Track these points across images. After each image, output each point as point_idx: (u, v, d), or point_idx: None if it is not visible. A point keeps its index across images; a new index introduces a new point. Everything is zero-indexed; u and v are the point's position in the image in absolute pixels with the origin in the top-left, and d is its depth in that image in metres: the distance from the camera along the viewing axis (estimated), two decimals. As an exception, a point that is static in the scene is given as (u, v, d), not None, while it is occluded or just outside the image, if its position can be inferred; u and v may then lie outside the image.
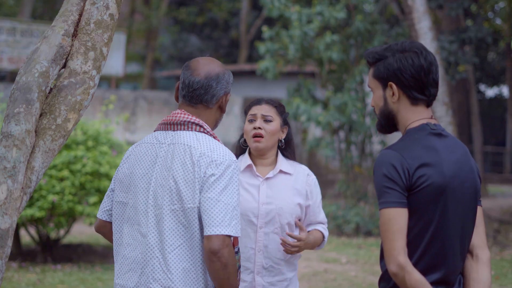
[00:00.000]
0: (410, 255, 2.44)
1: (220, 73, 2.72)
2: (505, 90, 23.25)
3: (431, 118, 2.57)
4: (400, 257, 2.38)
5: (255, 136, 3.36)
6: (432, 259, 2.45)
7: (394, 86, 2.54)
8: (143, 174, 2.66)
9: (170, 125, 2.69)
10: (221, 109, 2.75)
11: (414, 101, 2.54)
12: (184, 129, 2.67)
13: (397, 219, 2.41)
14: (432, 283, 2.43)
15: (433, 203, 2.45)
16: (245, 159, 3.43)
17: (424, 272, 2.43)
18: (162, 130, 2.71)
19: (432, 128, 2.53)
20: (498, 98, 23.82)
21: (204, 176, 2.54)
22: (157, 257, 2.58)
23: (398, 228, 2.40)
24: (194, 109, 2.71)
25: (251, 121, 3.40)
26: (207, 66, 2.72)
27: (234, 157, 2.62)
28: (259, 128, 3.36)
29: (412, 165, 2.44)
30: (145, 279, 2.59)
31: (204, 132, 2.66)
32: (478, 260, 2.56)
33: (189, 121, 2.67)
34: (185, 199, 2.56)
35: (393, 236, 2.40)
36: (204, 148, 2.59)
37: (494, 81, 21.03)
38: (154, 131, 2.75)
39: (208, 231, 2.50)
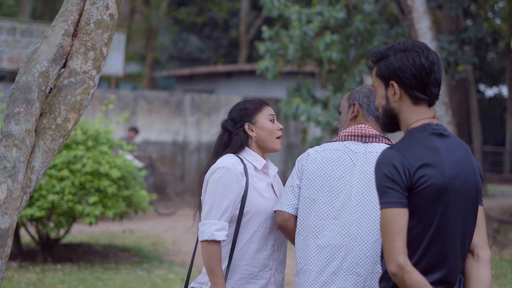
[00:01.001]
0: (411, 255, 2.45)
1: None
2: (504, 90, 23.25)
3: (433, 117, 2.56)
4: (399, 257, 2.38)
5: (279, 137, 3.43)
6: (433, 259, 2.46)
7: (395, 85, 2.54)
8: (340, 176, 3.03)
9: (361, 137, 3.09)
10: None
11: (416, 101, 2.54)
12: (376, 142, 3.08)
13: (397, 219, 2.41)
14: (432, 283, 2.44)
15: (434, 204, 2.45)
16: (257, 157, 3.41)
17: (425, 272, 2.44)
18: (352, 140, 3.09)
19: (434, 128, 2.53)
20: (498, 98, 23.82)
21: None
22: (359, 245, 2.95)
23: (398, 229, 2.40)
24: (378, 127, 3.13)
25: (272, 121, 3.42)
26: None
27: None
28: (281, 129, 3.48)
29: (413, 165, 2.44)
30: (347, 265, 2.96)
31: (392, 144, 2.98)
32: (479, 260, 2.56)
33: (379, 135, 3.09)
34: None
35: (393, 237, 2.40)
36: None
37: (493, 81, 21.03)
38: (342, 140, 3.11)
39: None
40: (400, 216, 2.42)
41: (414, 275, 2.38)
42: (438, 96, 2.58)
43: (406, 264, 2.39)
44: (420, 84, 2.53)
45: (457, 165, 2.50)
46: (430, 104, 2.56)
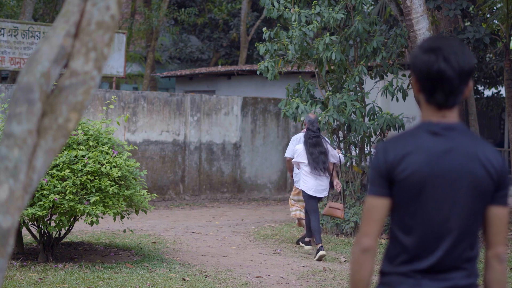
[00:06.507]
0: (395, 245, 2.58)
1: None
2: (503, 90, 23.23)
3: (443, 117, 2.58)
4: (363, 239, 2.56)
5: None
6: (417, 249, 2.56)
7: (413, 78, 2.61)
8: None
9: None
10: None
11: (428, 99, 2.58)
12: None
13: (372, 206, 2.57)
14: (418, 271, 2.55)
15: (410, 197, 2.55)
16: None
17: (411, 260, 2.56)
18: None
19: (429, 126, 2.57)
20: (496, 98, 23.79)
21: None
22: None
23: (368, 215, 2.57)
24: None
25: None
26: None
27: None
28: None
29: (391, 159, 2.55)
30: None
31: None
32: (487, 258, 2.64)
33: None
34: None
35: (363, 221, 2.59)
36: None
37: (492, 82, 21.00)
38: None
39: None
40: (374, 204, 2.57)
41: (362, 260, 2.54)
42: (449, 103, 2.57)
43: (369, 246, 2.55)
44: (424, 87, 2.57)
45: (447, 165, 2.55)
46: (440, 107, 2.58)
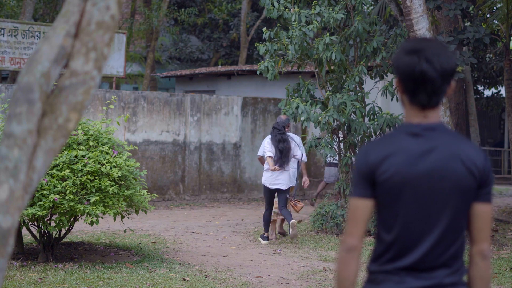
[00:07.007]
0: (379, 244, 2.65)
1: None
2: (503, 90, 23.24)
3: (425, 117, 2.61)
4: (348, 239, 2.64)
5: None
6: (399, 248, 2.61)
7: (396, 79, 2.65)
8: None
9: None
10: None
11: (411, 99, 2.62)
12: None
13: (356, 207, 2.64)
14: (400, 269, 2.60)
15: (391, 198, 2.60)
16: None
17: (394, 258, 2.61)
18: None
19: (410, 128, 2.62)
20: (496, 98, 23.80)
21: None
22: None
23: (352, 216, 2.64)
24: None
25: None
26: None
27: None
28: None
29: (372, 161, 2.60)
30: None
31: None
32: (471, 254, 2.67)
33: None
34: None
35: (348, 222, 2.66)
36: None
37: (492, 82, 21.03)
38: None
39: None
40: (357, 205, 2.64)
41: (347, 259, 2.61)
42: (432, 103, 2.61)
43: (351, 247, 2.62)
44: (408, 88, 2.60)
45: (429, 165, 2.59)
46: (423, 107, 2.61)
